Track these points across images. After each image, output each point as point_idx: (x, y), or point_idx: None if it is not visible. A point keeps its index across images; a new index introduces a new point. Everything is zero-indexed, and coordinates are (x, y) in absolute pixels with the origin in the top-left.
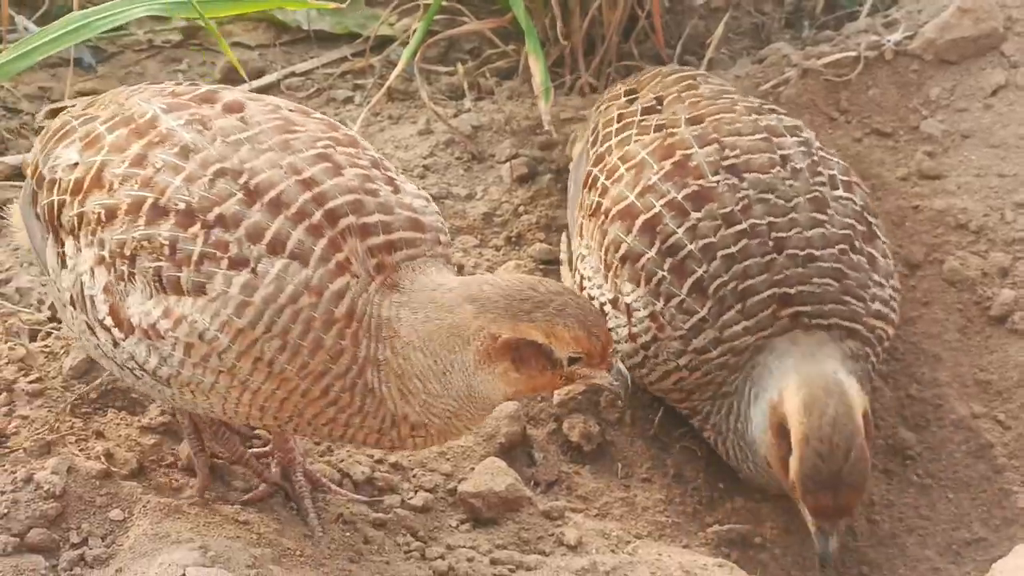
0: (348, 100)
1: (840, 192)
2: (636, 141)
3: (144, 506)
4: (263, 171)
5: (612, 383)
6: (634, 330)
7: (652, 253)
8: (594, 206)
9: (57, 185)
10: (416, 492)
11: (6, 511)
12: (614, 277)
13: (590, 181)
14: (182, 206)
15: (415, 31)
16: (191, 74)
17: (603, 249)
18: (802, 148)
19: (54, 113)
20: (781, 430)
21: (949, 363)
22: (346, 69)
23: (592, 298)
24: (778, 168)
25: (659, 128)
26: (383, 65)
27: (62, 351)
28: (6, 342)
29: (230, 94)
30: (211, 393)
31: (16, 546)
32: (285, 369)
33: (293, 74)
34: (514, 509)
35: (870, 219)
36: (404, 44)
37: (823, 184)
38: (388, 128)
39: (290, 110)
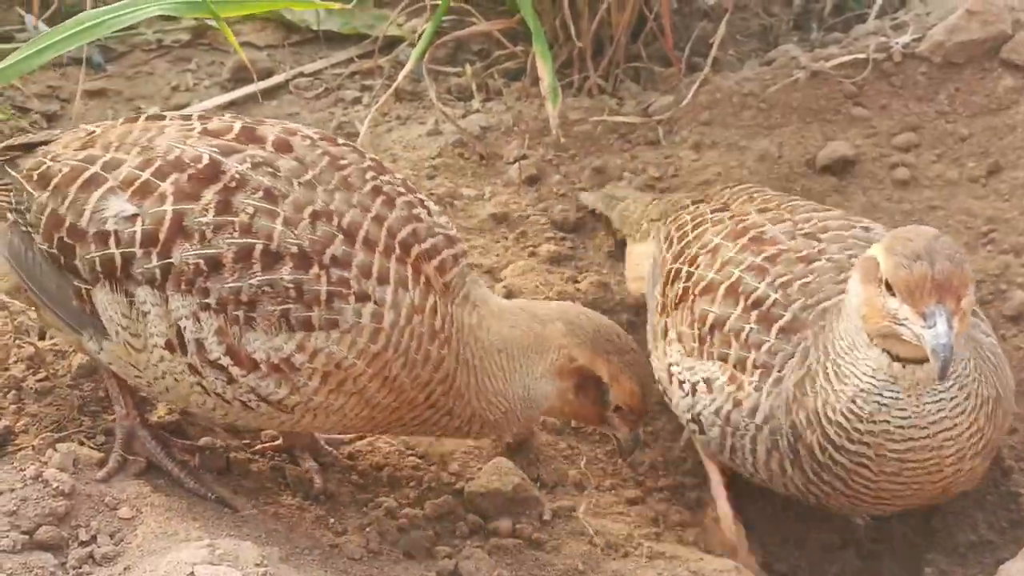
0: (356, 101)
1: None
2: (710, 231)
3: (152, 504)
4: (345, 212)
5: (627, 439)
6: (718, 403)
7: (738, 312)
8: (680, 293)
9: (114, 237)
10: (424, 492)
11: (15, 508)
12: (709, 348)
13: (672, 275)
14: (295, 250)
15: (423, 32)
16: (200, 74)
17: (694, 327)
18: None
19: (8, 150)
20: (868, 268)
21: None
22: (354, 70)
23: (682, 382)
24: (856, 229)
25: (731, 218)
26: (391, 66)
27: (70, 349)
28: (15, 340)
29: (270, 131)
30: (335, 412)
31: (25, 543)
32: (404, 382)
33: (302, 74)
34: (521, 509)
35: None
36: (412, 45)
37: None
38: (396, 129)
39: (321, 139)
